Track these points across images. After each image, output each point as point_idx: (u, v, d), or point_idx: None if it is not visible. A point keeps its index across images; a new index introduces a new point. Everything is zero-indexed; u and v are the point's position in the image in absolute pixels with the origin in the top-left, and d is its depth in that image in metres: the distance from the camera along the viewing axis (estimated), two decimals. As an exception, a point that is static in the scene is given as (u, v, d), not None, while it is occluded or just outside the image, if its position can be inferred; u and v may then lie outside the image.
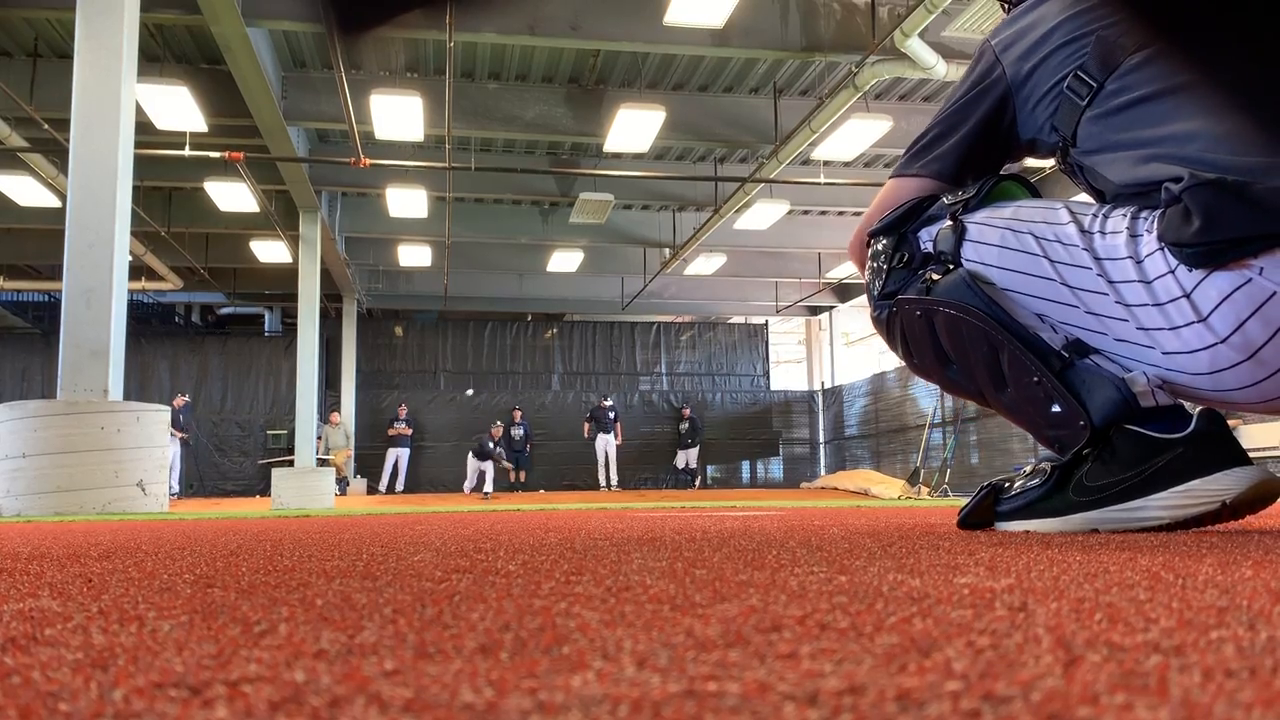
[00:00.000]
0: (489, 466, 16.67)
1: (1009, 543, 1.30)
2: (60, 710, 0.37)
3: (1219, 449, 1.48)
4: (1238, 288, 1.37)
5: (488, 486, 16.22)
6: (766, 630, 0.53)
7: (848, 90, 9.89)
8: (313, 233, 14.62)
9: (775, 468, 21.64)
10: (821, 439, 21.82)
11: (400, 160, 12.77)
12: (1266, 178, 1.34)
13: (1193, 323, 1.42)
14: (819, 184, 12.88)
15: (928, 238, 1.73)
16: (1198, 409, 1.52)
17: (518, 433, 18.39)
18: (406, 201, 13.79)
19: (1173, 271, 1.44)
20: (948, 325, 1.63)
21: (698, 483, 19.57)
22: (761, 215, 14.42)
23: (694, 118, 12.03)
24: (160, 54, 10.64)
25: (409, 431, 18.89)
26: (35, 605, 0.73)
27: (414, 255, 16.90)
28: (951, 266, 1.65)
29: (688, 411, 19.73)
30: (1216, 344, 1.41)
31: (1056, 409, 1.54)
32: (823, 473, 20.80)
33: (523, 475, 18.54)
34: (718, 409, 21.42)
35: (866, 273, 1.85)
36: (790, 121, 11.45)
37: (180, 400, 17.04)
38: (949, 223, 1.69)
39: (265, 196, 13.56)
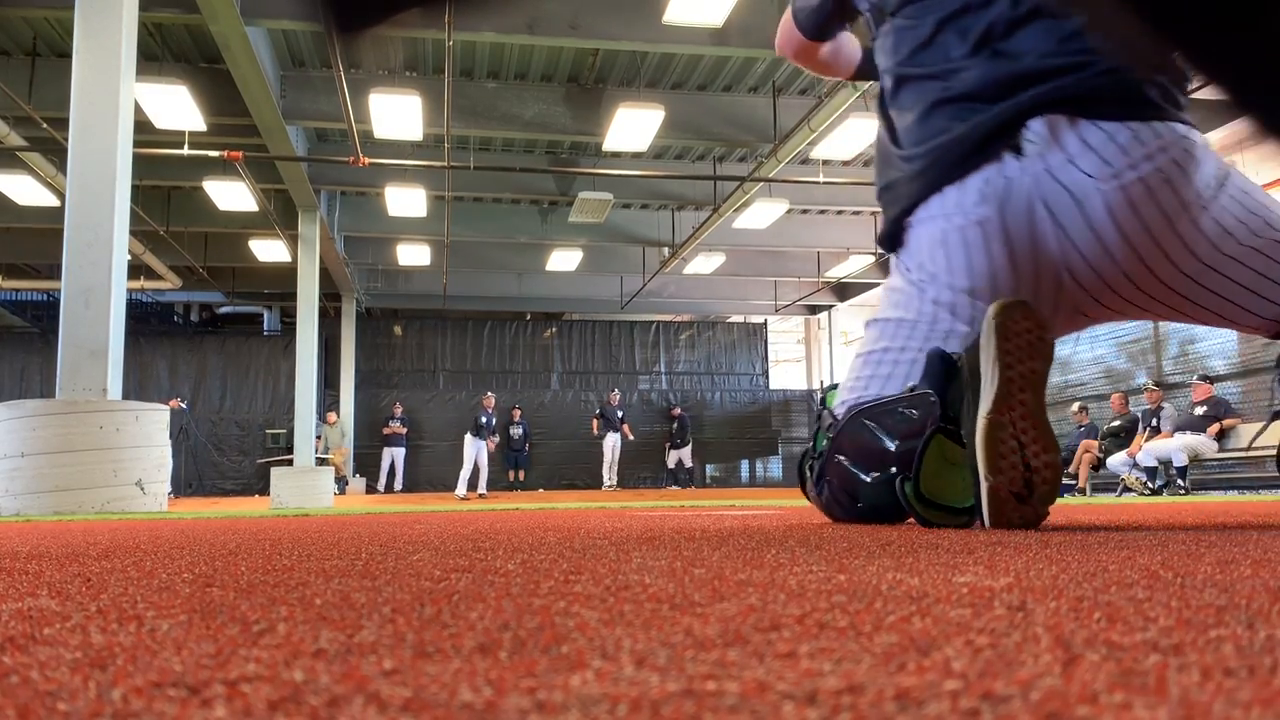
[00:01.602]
0: (483, 451, 16.37)
1: (1007, 542, 1.30)
2: (59, 709, 0.36)
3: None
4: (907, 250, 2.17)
5: (481, 487, 16.07)
6: (765, 629, 0.53)
7: (846, 89, 9.88)
8: (312, 232, 14.60)
9: (774, 467, 21.63)
10: (820, 438, 21.74)
11: (399, 159, 12.76)
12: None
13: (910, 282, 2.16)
14: (818, 183, 12.87)
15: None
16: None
17: (517, 432, 18.35)
18: (405, 201, 13.78)
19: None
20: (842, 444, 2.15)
21: (690, 481, 19.45)
22: (760, 214, 14.41)
23: (693, 117, 12.03)
24: (159, 53, 10.63)
25: (403, 430, 18.84)
26: (34, 604, 0.73)
27: (413, 254, 16.89)
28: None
29: (678, 410, 19.66)
30: (938, 286, 2.10)
31: (915, 413, 1.91)
32: (822, 472, 20.73)
33: (522, 474, 18.51)
34: (717, 408, 21.40)
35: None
36: (789, 120, 11.45)
37: (175, 403, 16.97)
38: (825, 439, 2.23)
39: (264, 196, 13.55)
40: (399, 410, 19.01)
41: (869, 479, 1.96)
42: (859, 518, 2.06)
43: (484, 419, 16.26)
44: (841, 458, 2.03)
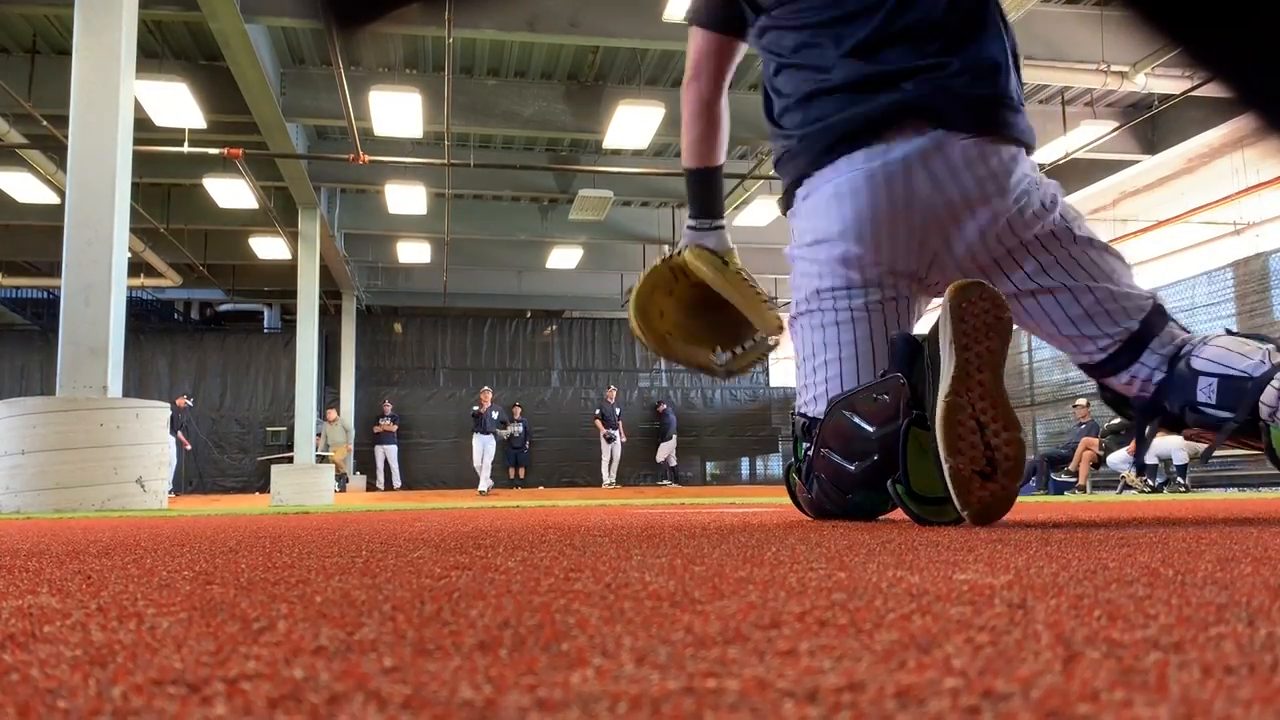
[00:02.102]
0: (490, 445, 16.37)
1: (1008, 539, 1.30)
2: (59, 707, 0.36)
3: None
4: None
5: (483, 484, 16.05)
6: (766, 627, 0.53)
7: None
8: (312, 229, 14.60)
9: (774, 464, 21.63)
10: (820, 436, 21.75)
11: (399, 157, 12.76)
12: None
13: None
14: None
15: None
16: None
17: (516, 429, 18.36)
18: (405, 198, 13.78)
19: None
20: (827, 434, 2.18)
21: (674, 478, 19.26)
22: (760, 212, 14.41)
23: (693, 114, 12.02)
24: (159, 50, 10.63)
25: (394, 428, 18.82)
26: (34, 602, 0.73)
27: (413, 252, 16.89)
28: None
29: (663, 407, 19.52)
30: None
31: (886, 398, 1.95)
32: (822, 469, 20.73)
33: (522, 472, 18.51)
34: (717, 406, 21.40)
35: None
36: (789, 118, 11.43)
37: (182, 401, 17.01)
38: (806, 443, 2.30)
39: (264, 193, 13.54)
40: (388, 408, 18.98)
41: (853, 468, 1.97)
42: (850, 511, 2.07)
43: (481, 413, 16.29)
44: (826, 451, 2.04)
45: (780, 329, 2.37)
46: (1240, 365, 1.97)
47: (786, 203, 2.33)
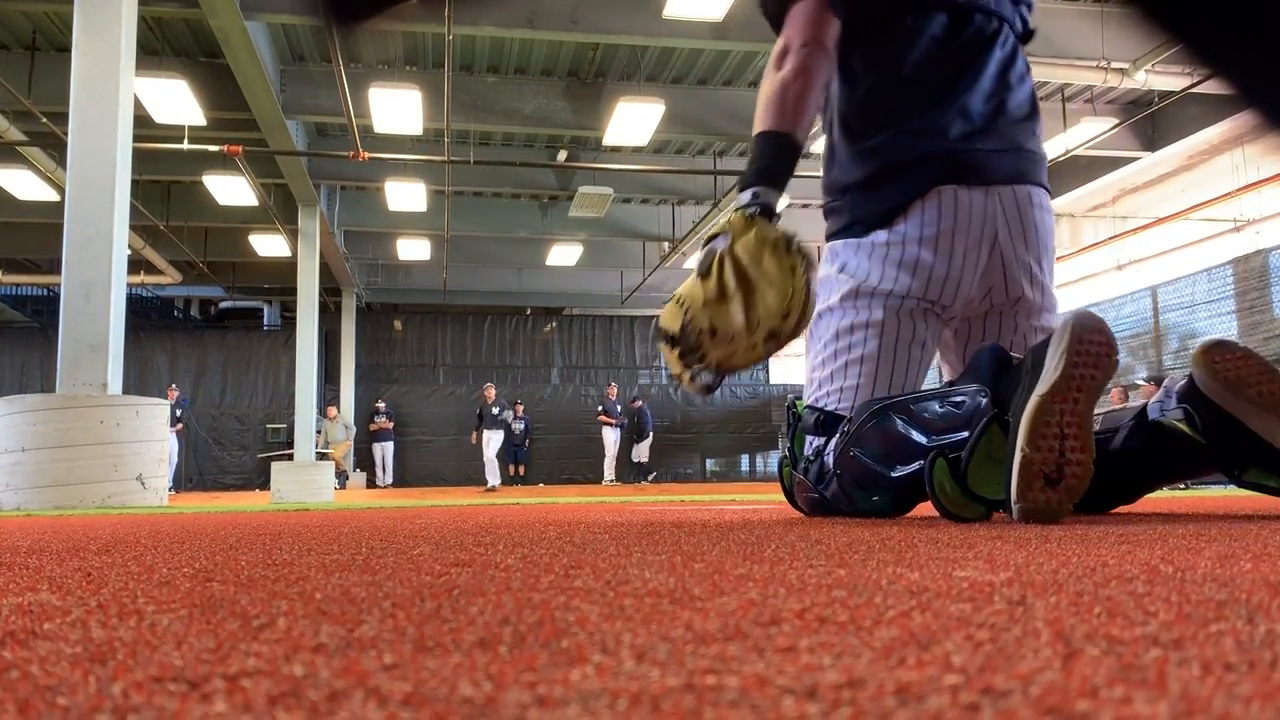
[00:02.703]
0: (499, 439, 16.34)
1: (1008, 537, 1.30)
2: (59, 704, 0.36)
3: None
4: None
5: (493, 479, 16.01)
6: (765, 624, 0.53)
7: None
8: (311, 227, 14.60)
9: (775, 461, 21.60)
10: (821, 433, 21.76)
11: (399, 154, 12.75)
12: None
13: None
14: (817, 177, 12.82)
15: (809, 448, 2.28)
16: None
17: (518, 426, 18.36)
18: (405, 195, 13.77)
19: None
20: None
21: (650, 477, 19.00)
22: (760, 209, 14.39)
23: (693, 111, 12.02)
24: (158, 47, 10.62)
25: (390, 425, 18.82)
26: (34, 599, 0.73)
27: (413, 249, 16.88)
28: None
29: (639, 404, 19.34)
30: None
31: (984, 399, 1.93)
32: (822, 466, 20.73)
33: (522, 469, 18.53)
34: (717, 403, 21.40)
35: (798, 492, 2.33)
36: (789, 115, 11.42)
37: (172, 392, 16.99)
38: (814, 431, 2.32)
39: (264, 190, 13.54)
40: (382, 405, 18.95)
41: (894, 475, 1.96)
42: (864, 512, 2.07)
43: (492, 410, 16.32)
44: (858, 452, 2.03)
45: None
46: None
47: (862, 194, 2.29)
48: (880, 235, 2.23)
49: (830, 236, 2.38)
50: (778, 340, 1.98)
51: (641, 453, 19.14)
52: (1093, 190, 14.18)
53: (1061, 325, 1.78)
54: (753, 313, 2.01)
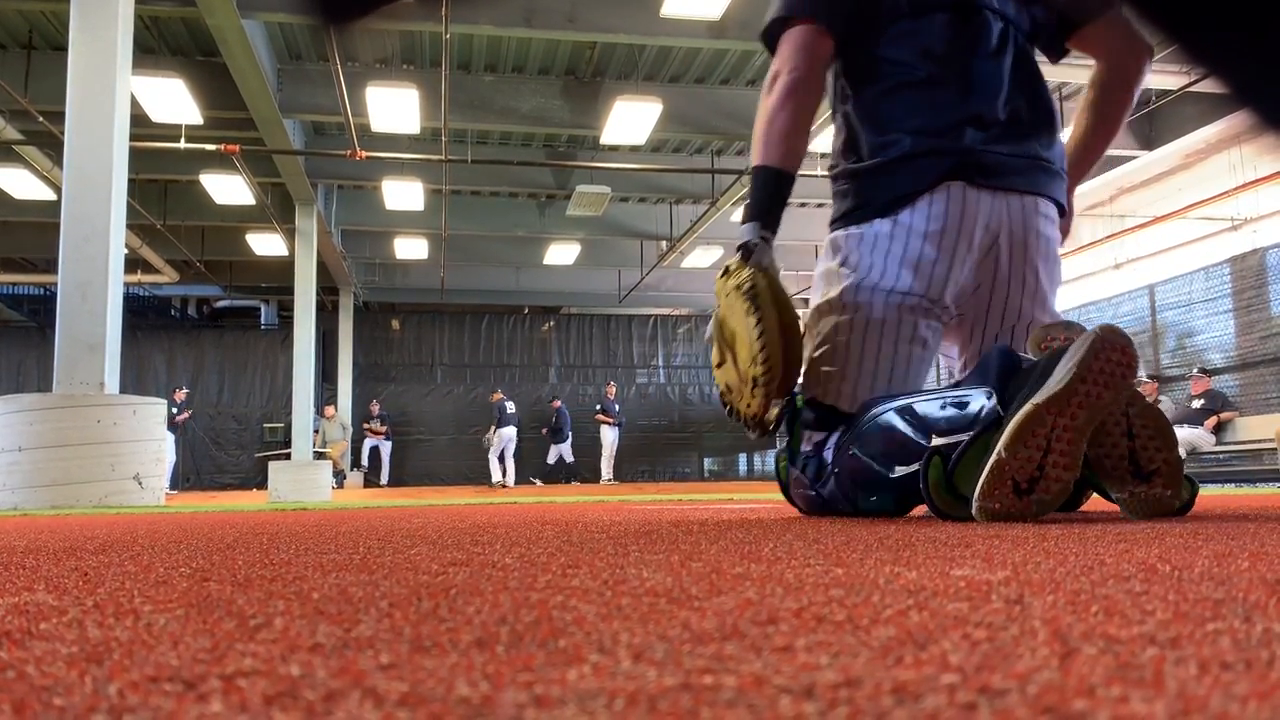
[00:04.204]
0: (512, 436, 16.34)
1: (1005, 535, 1.30)
2: (55, 704, 0.36)
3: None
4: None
5: (507, 477, 16.01)
6: (763, 623, 0.53)
7: (845, 82, 9.86)
8: (309, 226, 14.58)
9: (772, 460, 21.64)
10: (818, 432, 21.79)
11: (396, 153, 12.73)
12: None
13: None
14: (815, 176, 12.85)
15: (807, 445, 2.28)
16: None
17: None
18: (403, 194, 13.76)
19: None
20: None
21: (571, 477, 18.51)
22: (758, 208, 14.38)
23: (691, 110, 12.01)
24: (155, 46, 10.60)
25: (383, 430, 18.79)
26: (31, 599, 0.73)
27: (410, 248, 16.87)
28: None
29: (557, 403, 18.88)
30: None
31: (990, 401, 1.88)
32: (820, 465, 20.76)
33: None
34: (715, 402, 21.34)
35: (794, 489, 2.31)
36: (787, 114, 11.41)
37: (180, 394, 16.99)
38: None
39: (261, 189, 13.52)
40: (376, 408, 18.84)
41: (894, 475, 1.94)
42: (861, 511, 2.06)
43: (507, 408, 16.40)
44: (857, 451, 2.01)
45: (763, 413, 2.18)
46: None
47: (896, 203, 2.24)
48: (884, 226, 2.20)
49: (834, 221, 2.34)
50: (765, 387, 2.05)
51: (564, 453, 18.49)
52: (1090, 189, 14.18)
53: (1083, 336, 1.75)
54: (740, 367, 2.12)
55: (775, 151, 2.20)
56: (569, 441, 18.67)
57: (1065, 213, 2.37)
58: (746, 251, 2.16)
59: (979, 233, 2.18)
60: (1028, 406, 1.69)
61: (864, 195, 2.25)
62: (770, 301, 2.08)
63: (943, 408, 1.92)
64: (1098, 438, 1.71)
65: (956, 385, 2.00)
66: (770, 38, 2.29)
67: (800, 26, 2.23)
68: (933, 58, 2.22)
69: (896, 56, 2.24)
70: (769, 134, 2.20)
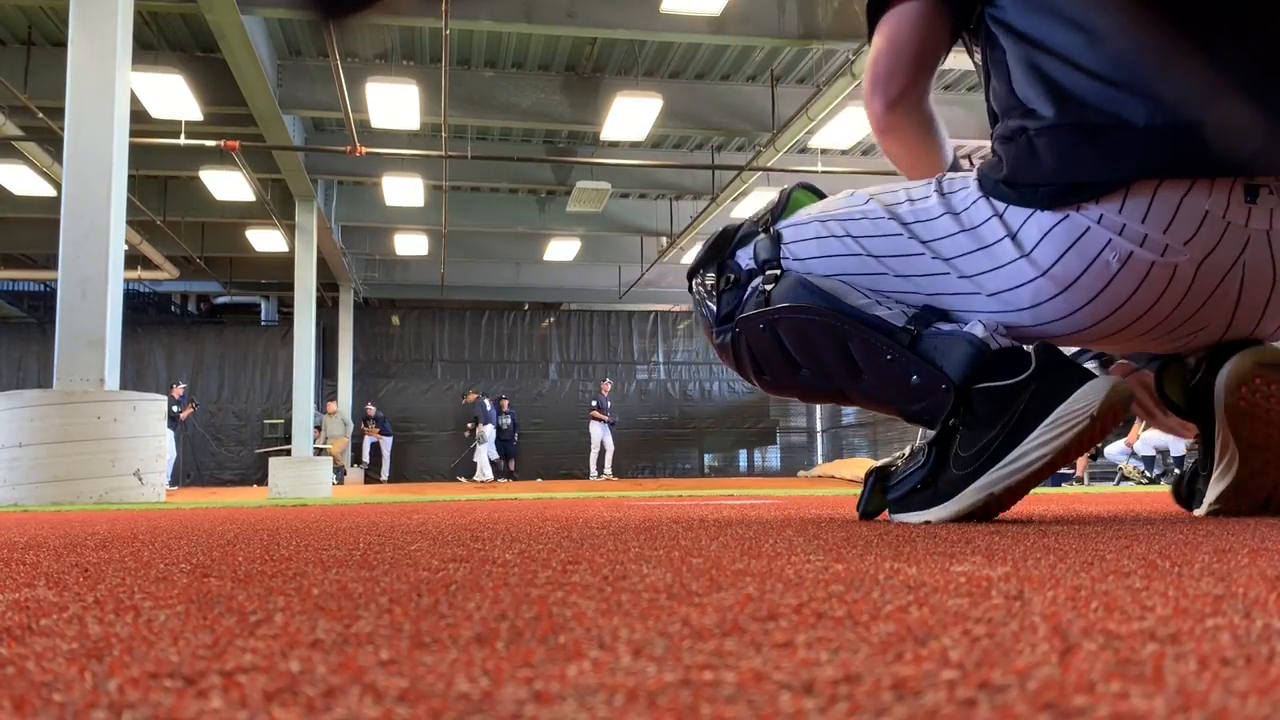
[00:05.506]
0: (491, 434, 16.30)
1: (1005, 531, 1.30)
2: (54, 700, 0.36)
3: (1064, 374, 1.50)
4: (1057, 224, 1.48)
5: (485, 472, 16.04)
6: (763, 619, 0.53)
7: (845, 78, 9.86)
8: (309, 222, 14.58)
9: (772, 456, 21.66)
10: (819, 427, 21.85)
11: (396, 149, 12.73)
12: (1122, 114, 1.44)
13: (1017, 259, 1.52)
14: (816, 172, 12.86)
15: (747, 257, 1.75)
16: (1032, 346, 1.56)
17: (505, 422, 18.36)
18: (403, 190, 13.76)
19: (1000, 215, 1.53)
20: (793, 329, 1.65)
21: (502, 473, 18.25)
22: (758, 203, 14.30)
23: (691, 106, 12.00)
24: (155, 42, 10.59)
25: (378, 432, 18.77)
26: (31, 595, 0.73)
27: (410, 244, 16.87)
28: (780, 273, 1.70)
29: (471, 397, 18.49)
30: (1037, 278, 1.51)
31: (915, 379, 1.55)
32: (820, 461, 20.83)
33: (512, 464, 18.55)
34: (715, 398, 21.42)
35: (696, 307, 1.86)
36: (787, 109, 11.42)
37: (177, 390, 16.99)
38: (763, 235, 1.74)
39: (261, 185, 13.52)
40: (372, 410, 18.78)
41: (800, 377, 1.70)
42: (751, 378, 1.79)
43: (487, 407, 16.39)
44: (785, 338, 1.66)
45: None
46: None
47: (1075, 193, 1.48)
48: (1048, 219, 1.49)
49: (983, 177, 1.58)
50: None
51: (484, 455, 18.00)
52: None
53: (1083, 391, 1.45)
54: None
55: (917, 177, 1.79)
56: (490, 443, 18.09)
57: None
58: None
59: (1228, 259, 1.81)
60: (989, 479, 1.51)
61: (1047, 163, 1.52)
62: None
63: (892, 364, 1.59)
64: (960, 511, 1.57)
65: (914, 348, 1.61)
66: (869, 17, 1.93)
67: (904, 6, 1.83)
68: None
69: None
70: (901, 171, 1.86)
